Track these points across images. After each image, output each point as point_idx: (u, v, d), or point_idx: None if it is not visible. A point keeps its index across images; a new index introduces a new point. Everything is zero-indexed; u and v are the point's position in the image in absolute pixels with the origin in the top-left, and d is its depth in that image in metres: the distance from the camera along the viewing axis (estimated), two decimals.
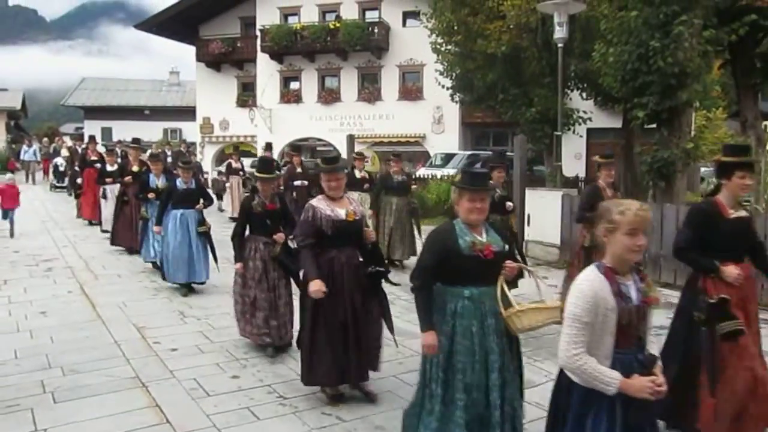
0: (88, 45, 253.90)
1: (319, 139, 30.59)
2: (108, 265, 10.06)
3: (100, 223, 13.05)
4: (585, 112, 17.33)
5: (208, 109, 33.61)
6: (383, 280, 4.74)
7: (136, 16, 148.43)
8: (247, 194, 6.41)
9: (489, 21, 15.80)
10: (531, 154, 17.89)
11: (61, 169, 21.88)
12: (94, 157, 14.77)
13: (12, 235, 12.62)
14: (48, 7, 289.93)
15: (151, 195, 9.22)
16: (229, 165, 16.68)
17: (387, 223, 9.96)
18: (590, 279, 2.67)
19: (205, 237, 8.21)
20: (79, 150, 19.41)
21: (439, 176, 18.89)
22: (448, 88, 19.37)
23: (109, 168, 12.33)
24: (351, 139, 16.36)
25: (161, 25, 33.02)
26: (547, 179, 15.95)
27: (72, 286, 8.63)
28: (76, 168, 16.78)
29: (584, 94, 17.96)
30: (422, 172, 20.77)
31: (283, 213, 6.05)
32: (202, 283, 8.39)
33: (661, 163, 10.19)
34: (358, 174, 11.07)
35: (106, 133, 45.94)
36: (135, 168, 10.93)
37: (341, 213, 4.63)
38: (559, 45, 11.85)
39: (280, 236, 5.87)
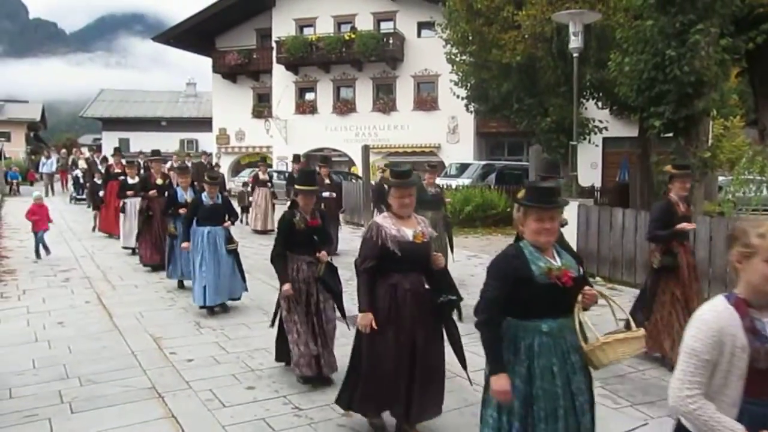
0: (106, 57, 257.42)
1: (335, 150, 30.70)
2: (125, 276, 10.14)
3: (119, 238, 12.66)
4: (601, 121, 17.25)
5: (224, 119, 33.89)
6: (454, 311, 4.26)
7: (154, 28, 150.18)
8: (284, 209, 5.86)
9: (504, 31, 15.79)
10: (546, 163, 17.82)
11: (81, 181, 21.77)
12: (118, 170, 14.22)
13: (38, 256, 11.44)
14: (68, 20, 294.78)
15: (181, 210, 8.71)
16: (257, 176, 16.15)
17: None
18: (717, 310, 2.27)
19: (234, 255, 7.85)
20: (97, 161, 19.25)
21: (454, 186, 18.87)
22: (462, 98, 19.38)
23: (130, 181, 11.92)
24: (366, 149, 16.32)
25: (178, 37, 33.43)
26: (563, 189, 15.86)
27: (89, 297, 8.71)
28: (96, 180, 16.57)
29: (600, 103, 17.87)
30: (438, 181, 20.73)
31: (324, 229, 5.63)
32: (238, 299, 8.03)
33: None
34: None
35: (124, 144, 46.41)
36: (159, 181, 10.61)
37: (408, 233, 4.15)
38: (575, 55, 11.81)
39: (323, 255, 5.43)
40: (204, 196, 7.79)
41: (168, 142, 45.61)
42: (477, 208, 16.91)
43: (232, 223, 8.00)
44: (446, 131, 28.91)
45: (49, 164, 26.25)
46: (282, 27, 31.10)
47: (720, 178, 22.97)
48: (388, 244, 4.07)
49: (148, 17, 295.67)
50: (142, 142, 45.83)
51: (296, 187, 5.53)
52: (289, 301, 5.35)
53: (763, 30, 10.61)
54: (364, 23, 29.77)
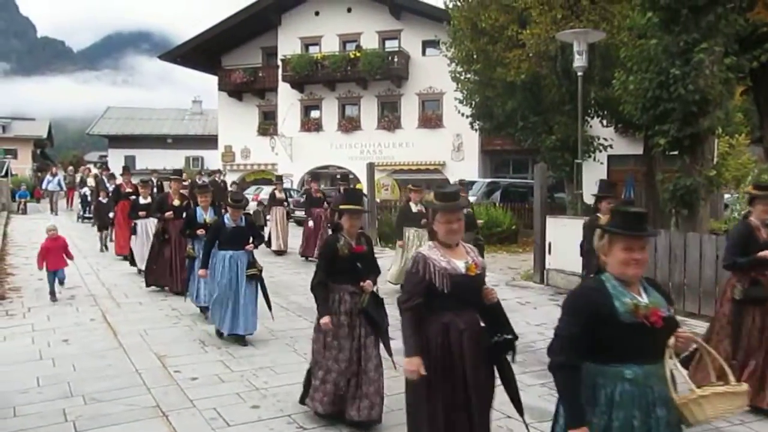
0: (113, 75, 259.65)
1: (340, 167, 30.79)
2: (130, 293, 10.13)
3: (132, 262, 11.89)
4: (606, 139, 17.29)
5: (229, 137, 34.06)
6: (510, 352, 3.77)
7: (160, 46, 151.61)
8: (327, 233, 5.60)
9: (508, 49, 15.89)
10: (551, 181, 17.82)
11: (89, 199, 21.00)
12: (129, 189, 13.55)
13: (54, 297, 9.52)
14: (75, 38, 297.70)
15: (200, 231, 8.20)
16: (273, 195, 15.39)
17: None
18: None
19: (256, 281, 7.26)
20: (105, 179, 18.39)
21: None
22: (467, 116, 19.46)
23: (142, 200, 11.35)
24: (371, 167, 16.45)
25: (185, 55, 33.72)
26: (568, 207, 15.87)
27: (94, 314, 8.70)
28: (101, 199, 15.84)
29: (604, 121, 17.92)
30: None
31: (369, 256, 5.13)
32: (249, 335, 7.31)
33: (683, 191, 10.08)
34: (414, 208, 10.13)
35: (130, 161, 46.66)
36: (176, 202, 9.89)
37: (460, 265, 3.60)
38: (579, 73, 11.87)
39: (368, 284, 4.93)
40: (226, 218, 7.29)
41: (174, 159, 45.92)
42: (482, 225, 16.85)
43: (256, 246, 7.52)
44: (451, 149, 28.99)
45: (54, 182, 25.21)
46: (287, 45, 31.35)
47: (726, 196, 22.96)
48: (437, 279, 3.54)
49: (155, 36, 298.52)
50: (148, 159, 46.17)
51: (342, 207, 5.08)
52: (326, 335, 4.92)
53: (767, 49, 10.63)
54: (369, 42, 29.99)
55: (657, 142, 10.30)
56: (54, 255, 9.45)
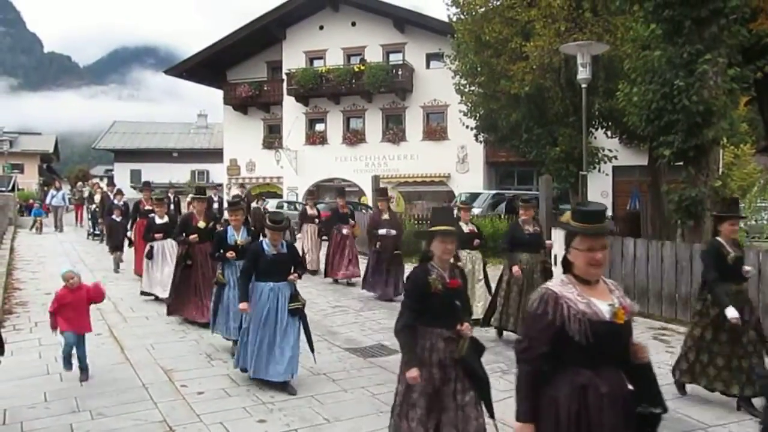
0: (119, 90, 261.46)
1: (345, 180, 30.86)
2: (136, 308, 10.15)
3: (144, 291, 10.74)
4: (610, 150, 17.29)
5: (235, 150, 34.21)
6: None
7: (165, 61, 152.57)
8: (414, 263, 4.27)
9: (512, 62, 15.95)
10: (556, 193, 17.82)
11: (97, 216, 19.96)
12: (149, 207, 12.45)
13: (68, 365, 6.49)
14: (81, 53, 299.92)
15: (230, 254, 7.23)
16: (304, 211, 14.47)
17: (513, 287, 8.07)
18: None
19: (299, 316, 6.27)
20: (111, 195, 17.49)
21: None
22: (472, 128, 19.51)
23: (158, 220, 10.38)
24: (376, 179, 16.46)
25: (190, 70, 33.96)
26: None
27: (101, 329, 8.69)
28: (114, 218, 14.27)
29: (609, 132, 17.93)
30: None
31: (466, 292, 4.27)
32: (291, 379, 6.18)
33: (688, 202, 10.07)
34: (465, 228, 8.95)
35: (135, 175, 46.98)
36: (201, 224, 8.71)
37: (603, 309, 2.79)
38: (583, 86, 11.89)
39: (467, 327, 4.01)
40: (265, 244, 6.23)
41: (179, 173, 46.18)
42: (487, 237, 16.82)
43: (300, 276, 6.40)
44: (456, 161, 29.05)
45: (59, 196, 23.73)
46: (292, 59, 31.55)
47: None
48: (572, 326, 2.74)
49: (160, 50, 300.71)
50: (153, 173, 46.37)
51: (432, 229, 4.07)
52: (412, 391, 3.99)
53: None
54: (374, 55, 30.15)
55: (662, 153, 10.31)
56: (75, 312, 6.52)
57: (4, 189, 33.39)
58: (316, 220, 14.24)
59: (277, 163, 32.46)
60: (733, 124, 10.16)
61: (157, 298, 10.33)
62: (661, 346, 7.79)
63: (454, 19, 18.06)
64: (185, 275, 8.79)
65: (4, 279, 11.86)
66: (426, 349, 3.99)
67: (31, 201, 28.87)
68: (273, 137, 33.37)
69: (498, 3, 17.01)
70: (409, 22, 29.60)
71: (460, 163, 29.08)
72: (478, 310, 8.65)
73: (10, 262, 14.86)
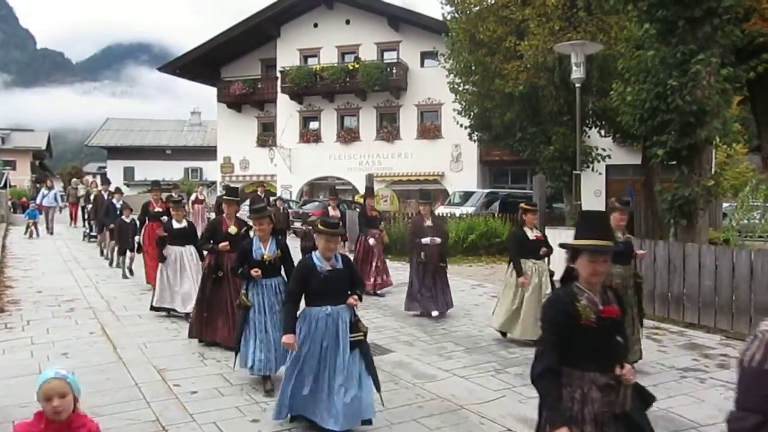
0: (113, 86, 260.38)
1: (338, 178, 30.86)
2: (129, 306, 10.12)
3: (154, 307, 9.34)
4: (604, 149, 17.34)
5: (228, 148, 34.15)
6: None
7: (159, 58, 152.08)
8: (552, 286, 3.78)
9: (506, 61, 15.98)
10: (550, 192, 17.86)
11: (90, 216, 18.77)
12: (158, 208, 11.48)
13: None
14: (74, 50, 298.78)
15: (255, 273, 5.96)
16: (326, 214, 12.80)
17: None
18: None
19: (361, 349, 4.95)
20: (105, 195, 16.19)
21: (458, 214, 18.89)
22: (466, 127, 19.52)
23: (176, 224, 9.14)
24: (370, 178, 16.48)
25: (184, 67, 33.89)
26: (567, 217, 15.89)
27: (94, 327, 8.68)
28: (124, 218, 13.02)
29: (603, 132, 17.99)
30: (441, 210, 20.79)
31: (623, 323, 3.21)
32: (369, 422, 5.03)
33: (681, 201, 10.11)
34: (531, 234, 7.97)
35: (129, 172, 46.90)
36: (232, 229, 7.55)
37: None
38: (577, 85, 11.92)
39: (629, 371, 3.02)
40: (316, 258, 4.93)
41: (173, 170, 46.10)
42: (481, 236, 16.91)
43: (360, 297, 5.08)
44: (450, 159, 29.07)
45: (50, 196, 21.90)
46: (286, 57, 31.49)
47: (724, 205, 23.01)
48: None
49: (154, 47, 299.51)
50: (147, 170, 46.32)
51: (579, 244, 3.10)
52: None
53: (763, 59, 10.72)
54: (368, 53, 30.13)
55: (655, 153, 10.34)
56: None
57: None
58: (340, 223, 12.80)
59: (270, 161, 32.42)
60: (726, 124, 10.21)
61: (168, 313, 9.23)
62: (653, 345, 7.81)
63: (449, 18, 18.07)
64: (215, 290, 7.45)
65: None
66: (576, 401, 3.02)
67: (24, 199, 28.28)
68: (267, 135, 33.33)
69: (492, 2, 17.03)
70: (404, 20, 29.60)
71: (454, 161, 29.10)
72: (501, 317, 8.04)
73: (2, 259, 14.80)
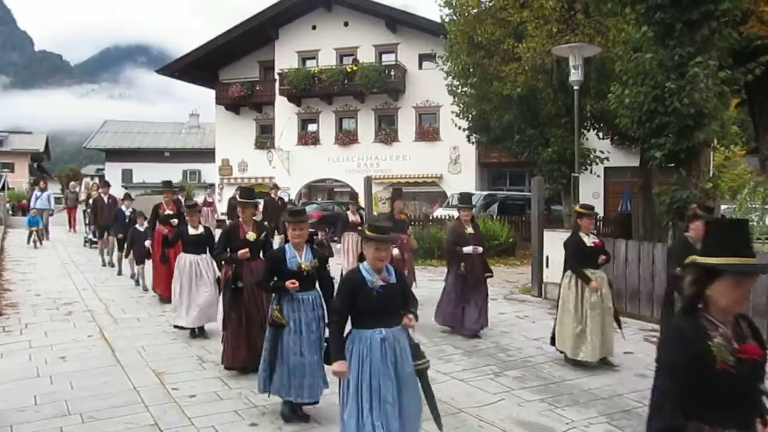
0: (111, 89, 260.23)
1: (337, 180, 30.86)
2: (127, 309, 10.11)
3: (177, 326, 8.41)
4: (602, 151, 17.34)
5: (227, 151, 34.14)
6: None
7: (158, 60, 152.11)
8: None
9: (504, 63, 15.97)
10: (548, 194, 17.86)
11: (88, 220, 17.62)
12: (169, 211, 10.82)
13: None
14: (73, 52, 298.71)
15: (292, 284, 5.16)
16: (345, 218, 11.87)
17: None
18: None
19: (422, 380, 4.23)
20: (105, 198, 15.58)
21: (456, 216, 18.87)
22: (464, 129, 19.52)
23: (192, 231, 8.34)
24: (368, 180, 16.47)
25: (182, 70, 33.88)
26: (566, 219, 15.90)
27: (92, 330, 8.67)
28: (138, 227, 11.93)
29: (601, 134, 17.99)
30: (439, 212, 20.81)
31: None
32: None
33: (680, 204, 10.10)
34: (588, 240, 7.25)
35: (127, 174, 46.86)
36: (251, 235, 6.72)
37: None
38: (575, 88, 11.93)
39: None
40: (365, 270, 4.10)
41: (171, 173, 45.92)
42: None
43: (416, 317, 4.22)
44: (448, 161, 29.09)
45: (43, 198, 20.59)
46: (285, 59, 31.50)
47: (723, 207, 23.04)
48: None
49: (152, 49, 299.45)
50: (145, 172, 46.30)
51: (720, 261, 2.40)
52: None
53: (761, 62, 10.70)
54: (366, 55, 30.15)
55: (653, 155, 10.34)
56: None
57: None
58: (359, 228, 11.53)
59: (269, 163, 32.40)
60: (724, 126, 10.20)
61: (194, 333, 8.25)
62: (652, 348, 7.81)
63: (447, 20, 18.06)
64: (233, 304, 6.64)
65: None
66: None
67: (24, 202, 27.98)
68: (265, 137, 33.32)
69: (490, 4, 17.02)
70: (402, 22, 29.62)
71: (452, 163, 29.12)
72: (569, 338, 7.06)
73: (0, 263, 14.78)
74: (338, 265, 10.67)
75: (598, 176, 21.64)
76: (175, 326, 8.37)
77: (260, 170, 32.99)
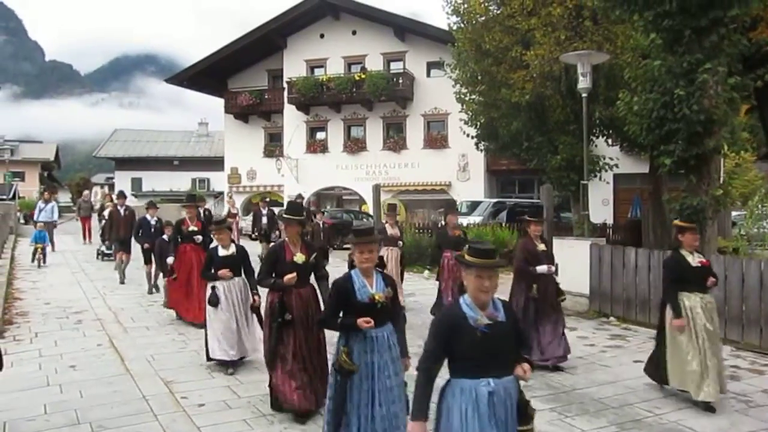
0: (121, 98, 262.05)
1: (345, 188, 30.89)
2: (137, 318, 10.13)
3: (209, 354, 7.26)
4: (611, 158, 17.29)
5: (236, 159, 34.26)
6: None
7: (166, 69, 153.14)
8: None
9: (512, 70, 15.98)
10: (557, 201, 17.81)
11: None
12: (193, 227, 9.76)
13: None
14: (82, 61, 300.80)
15: (366, 322, 4.17)
16: (383, 231, 10.64)
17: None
18: None
19: None
20: (122, 211, 14.39)
21: (465, 224, 18.84)
22: (472, 137, 19.51)
23: (222, 251, 7.17)
24: (377, 188, 16.47)
25: (191, 78, 34.05)
26: (575, 227, 15.83)
27: (101, 339, 8.70)
28: (164, 237, 10.98)
29: (610, 141, 17.94)
30: None
31: None
32: None
33: (690, 211, 10.04)
34: (692, 260, 6.26)
35: (136, 183, 47.11)
36: (299, 257, 5.67)
37: None
38: (584, 95, 11.90)
39: None
40: (466, 304, 3.25)
41: (180, 181, 46.27)
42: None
43: (532, 365, 3.37)
44: (457, 169, 29.07)
45: (48, 210, 19.53)
46: (293, 68, 31.62)
47: (734, 213, 22.91)
48: None
49: (161, 59, 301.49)
50: (154, 181, 46.54)
51: None
52: None
53: None
54: (374, 64, 30.22)
55: (663, 162, 10.29)
56: None
57: (5, 197, 33.44)
58: (400, 243, 10.92)
59: (278, 171, 32.48)
60: (734, 132, 10.15)
61: (229, 368, 7.12)
62: None
63: (455, 28, 18.11)
64: (283, 339, 5.61)
65: (4, 289, 11.86)
66: None
67: (33, 212, 28.05)
68: (274, 145, 33.42)
69: (498, 12, 17.05)
70: (410, 30, 29.69)
71: (460, 171, 29.09)
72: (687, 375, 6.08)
73: (11, 271, 14.86)
74: None
75: (608, 183, 21.59)
76: (211, 358, 7.23)
77: (269, 178, 33.09)
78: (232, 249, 7.24)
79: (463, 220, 20.24)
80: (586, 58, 11.75)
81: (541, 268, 7.37)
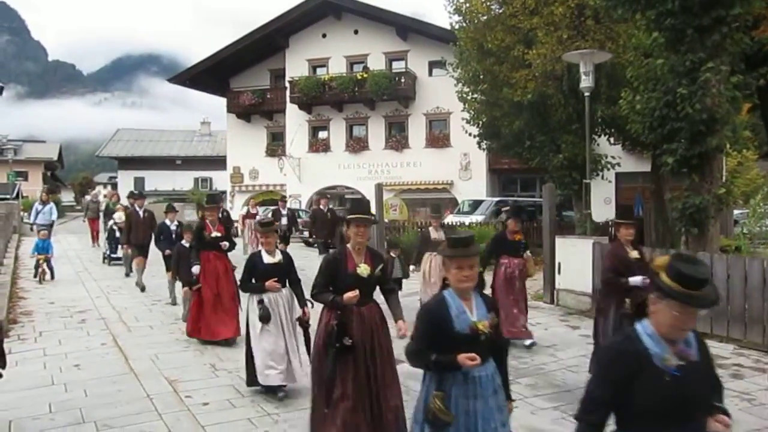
0: (124, 97, 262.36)
1: (348, 187, 30.90)
2: (141, 317, 10.16)
3: (251, 379, 6.29)
4: (613, 157, 17.26)
5: (238, 158, 34.31)
6: None
7: (169, 68, 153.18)
8: None
9: (514, 70, 15.96)
10: (559, 200, 17.79)
11: (117, 235, 15.48)
12: (216, 233, 8.64)
13: None
14: (85, 61, 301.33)
15: (471, 360, 3.14)
16: (427, 236, 9.66)
17: None
18: None
19: None
20: (139, 211, 13.15)
21: (467, 223, 18.86)
22: (474, 136, 19.50)
23: (268, 259, 6.20)
24: (379, 187, 16.48)
25: (194, 78, 34.11)
26: (577, 226, 15.83)
27: (105, 338, 8.73)
28: (184, 243, 9.82)
29: (612, 139, 17.92)
30: (450, 219, 20.77)
31: None
32: None
33: (692, 210, 10.04)
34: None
35: (139, 182, 47.16)
36: (363, 269, 4.64)
37: None
38: (586, 94, 11.90)
39: None
40: (647, 334, 2.49)
41: (183, 180, 46.34)
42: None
43: (729, 417, 2.65)
44: (459, 168, 29.07)
45: (46, 212, 18.46)
46: (295, 67, 31.65)
47: (736, 212, 22.89)
48: None
49: (163, 58, 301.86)
50: (157, 180, 46.59)
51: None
52: None
53: None
54: (376, 63, 30.23)
55: (665, 161, 10.29)
56: None
57: (8, 196, 33.49)
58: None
59: (280, 170, 32.51)
60: (736, 131, 10.14)
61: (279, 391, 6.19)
62: None
63: (457, 27, 18.09)
64: (342, 368, 4.54)
65: (8, 288, 11.90)
66: None
67: (42, 231, 27.57)
68: (276, 145, 33.47)
69: (500, 11, 17.02)
70: (412, 30, 29.70)
71: (462, 170, 29.10)
72: None
73: (15, 270, 14.90)
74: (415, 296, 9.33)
75: (610, 182, 21.53)
76: (252, 382, 6.29)
77: (271, 178, 33.13)
78: (279, 256, 6.24)
79: (465, 219, 20.29)
80: (588, 57, 11.73)
81: (635, 280, 6.16)
